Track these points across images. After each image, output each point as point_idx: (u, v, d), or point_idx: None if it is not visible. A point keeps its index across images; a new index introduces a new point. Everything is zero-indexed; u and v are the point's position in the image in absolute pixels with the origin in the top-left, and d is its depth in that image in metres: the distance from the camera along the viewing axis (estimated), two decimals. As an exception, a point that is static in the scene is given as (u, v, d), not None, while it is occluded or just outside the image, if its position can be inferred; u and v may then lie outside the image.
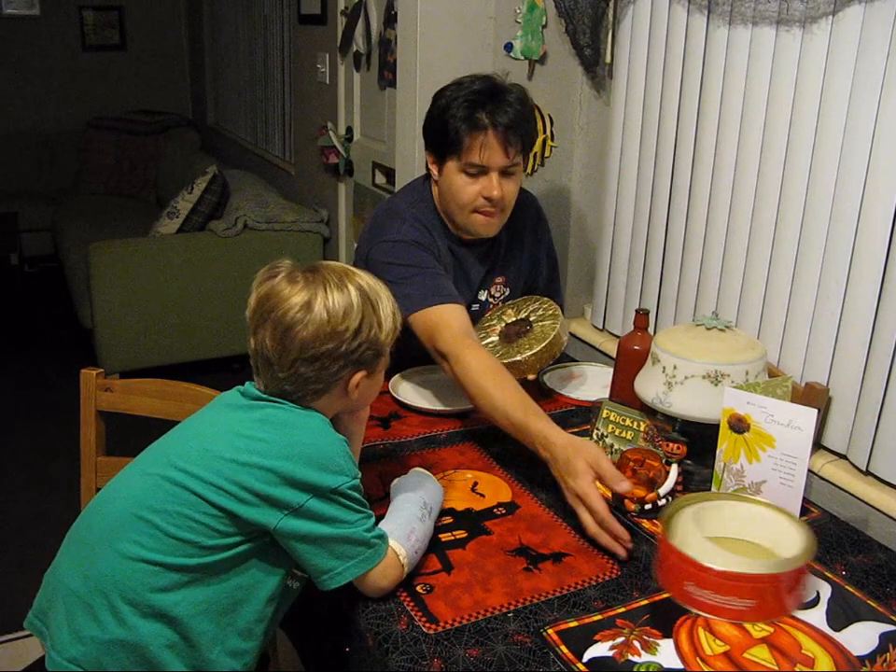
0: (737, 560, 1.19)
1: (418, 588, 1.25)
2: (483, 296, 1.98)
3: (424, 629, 1.17)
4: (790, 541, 1.28)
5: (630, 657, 1.13)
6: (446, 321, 1.67)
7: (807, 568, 1.22)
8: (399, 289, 1.55)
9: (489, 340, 1.88)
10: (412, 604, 1.22)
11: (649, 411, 1.59)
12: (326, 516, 1.16)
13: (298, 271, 1.22)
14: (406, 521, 1.28)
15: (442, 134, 1.73)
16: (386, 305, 1.25)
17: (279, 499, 1.15)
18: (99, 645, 1.17)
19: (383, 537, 1.22)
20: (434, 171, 1.82)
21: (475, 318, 1.93)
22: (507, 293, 2.01)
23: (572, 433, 1.73)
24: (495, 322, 1.93)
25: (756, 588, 1.17)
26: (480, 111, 1.69)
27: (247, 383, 1.28)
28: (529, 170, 2.35)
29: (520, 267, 2.00)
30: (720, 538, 1.33)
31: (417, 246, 1.78)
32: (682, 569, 1.21)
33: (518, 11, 2.28)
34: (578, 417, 1.82)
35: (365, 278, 1.25)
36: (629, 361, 1.68)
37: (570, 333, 2.32)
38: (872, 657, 1.14)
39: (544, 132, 2.26)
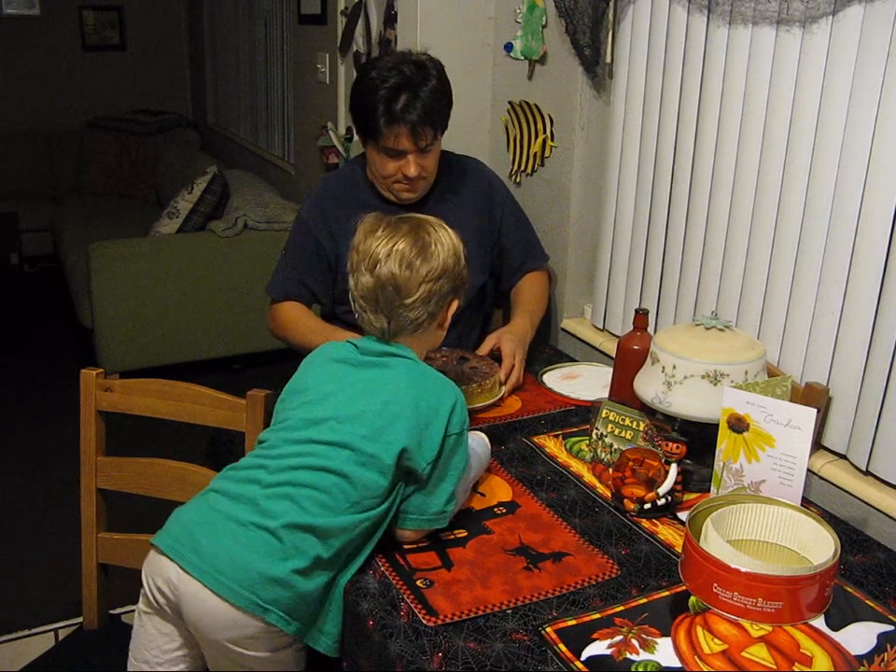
0: (764, 562, 1.20)
1: (418, 582, 1.26)
2: None
3: (424, 621, 1.18)
4: (816, 543, 1.28)
5: (628, 655, 1.13)
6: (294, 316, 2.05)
7: (835, 570, 1.22)
8: (279, 264, 2.10)
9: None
10: (411, 597, 1.23)
11: (648, 410, 1.59)
12: (457, 454, 1.35)
13: (396, 219, 1.42)
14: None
15: (363, 121, 1.91)
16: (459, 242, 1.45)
17: (428, 445, 1.31)
18: None
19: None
20: (361, 143, 1.99)
21: None
22: None
23: (571, 433, 1.75)
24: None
25: (784, 590, 1.18)
26: (394, 105, 1.85)
27: (358, 339, 1.43)
28: (529, 170, 2.35)
29: (469, 222, 2.05)
30: (746, 540, 1.34)
31: (305, 235, 2.06)
32: (709, 571, 1.21)
33: (518, 11, 2.28)
34: (577, 417, 1.82)
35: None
36: (629, 361, 1.68)
37: (570, 333, 2.32)
38: (870, 657, 1.14)
39: (544, 132, 2.27)
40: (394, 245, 1.36)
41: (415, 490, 1.33)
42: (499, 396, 1.85)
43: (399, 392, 1.33)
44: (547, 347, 2.29)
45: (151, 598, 1.32)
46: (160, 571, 1.28)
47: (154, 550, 1.30)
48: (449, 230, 1.44)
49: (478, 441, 1.54)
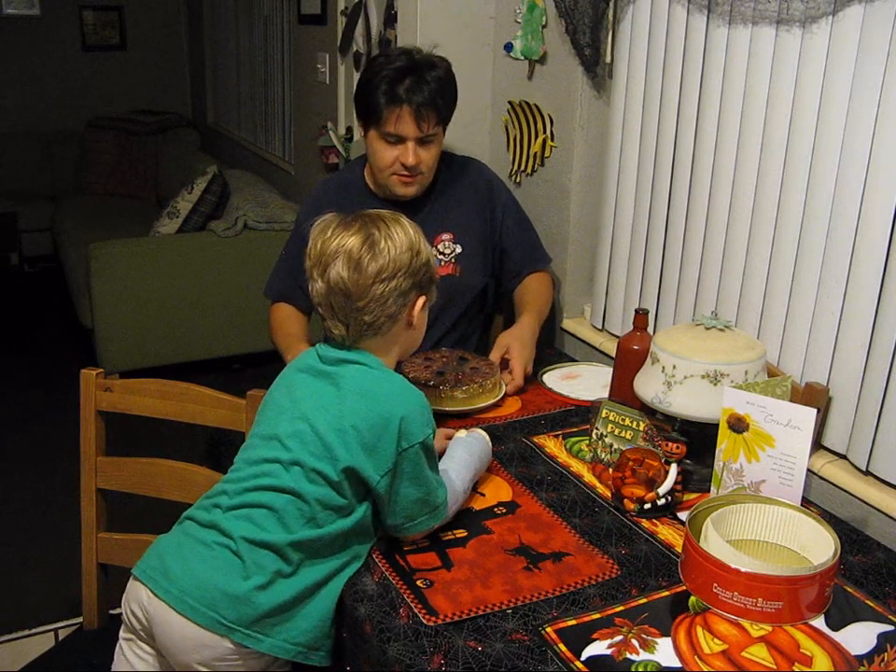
0: (764, 562, 1.20)
1: (418, 583, 1.26)
2: None
3: (424, 621, 1.18)
4: (816, 543, 1.28)
5: (628, 655, 1.13)
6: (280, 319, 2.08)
7: (834, 570, 1.22)
8: (276, 265, 2.15)
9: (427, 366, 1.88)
10: (411, 596, 1.23)
11: (648, 410, 1.59)
12: (417, 470, 1.29)
13: (349, 218, 1.35)
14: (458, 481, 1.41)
15: (365, 105, 1.90)
16: (428, 246, 1.38)
17: (379, 458, 1.26)
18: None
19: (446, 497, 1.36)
20: (361, 134, 1.98)
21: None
22: (458, 250, 2.07)
23: (571, 433, 1.75)
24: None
25: (784, 590, 1.18)
26: (398, 86, 1.84)
27: (320, 345, 1.37)
28: (529, 170, 2.35)
29: (469, 225, 2.07)
30: (746, 540, 1.34)
31: (297, 230, 2.10)
32: (709, 571, 1.21)
33: (518, 11, 2.28)
34: (577, 417, 1.82)
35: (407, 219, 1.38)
36: (628, 361, 1.68)
37: (570, 333, 2.33)
38: (870, 657, 1.14)
39: (544, 132, 2.27)
40: (341, 245, 1.30)
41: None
42: (500, 396, 1.84)
43: (345, 405, 1.28)
44: (547, 347, 2.29)
45: (128, 623, 1.34)
46: (134, 596, 1.30)
47: (132, 576, 1.32)
48: (405, 222, 1.36)
49: (478, 439, 1.54)
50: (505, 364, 1.91)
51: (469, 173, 2.13)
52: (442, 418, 1.73)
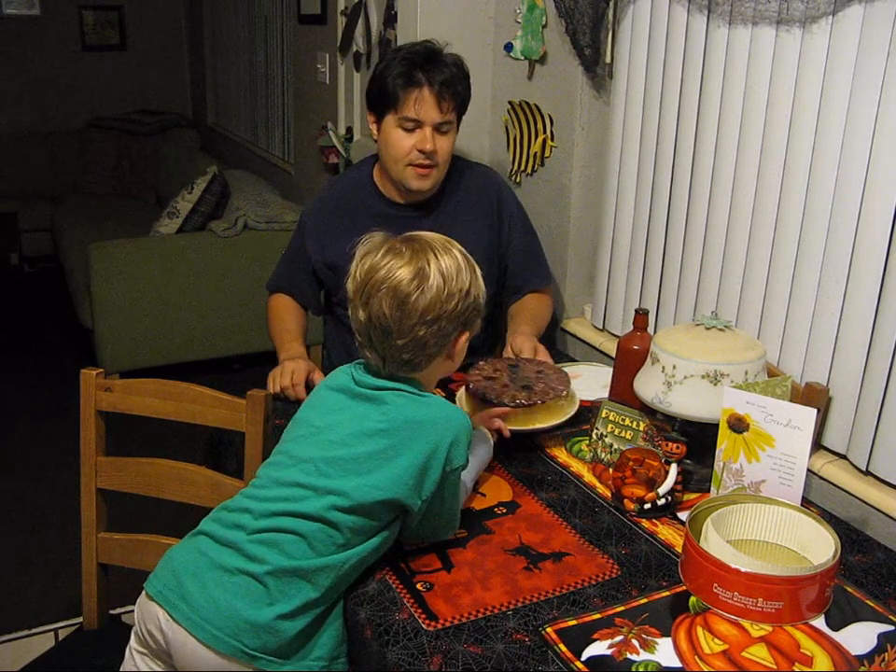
0: (764, 562, 1.20)
1: (418, 586, 1.26)
2: None
3: (424, 626, 1.17)
4: (816, 543, 1.28)
5: (629, 656, 1.13)
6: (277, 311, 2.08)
7: (834, 570, 1.22)
8: (279, 261, 2.14)
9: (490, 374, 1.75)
10: (412, 601, 1.22)
11: (648, 410, 1.59)
12: (453, 490, 1.30)
13: (398, 242, 1.28)
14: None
15: (381, 91, 1.87)
16: (479, 271, 1.32)
17: (424, 485, 1.24)
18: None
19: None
20: (374, 130, 1.94)
21: None
22: None
23: (571, 433, 1.75)
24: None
25: (784, 590, 1.18)
26: (416, 69, 1.83)
27: (355, 365, 1.35)
28: (529, 170, 2.35)
29: (476, 233, 2.02)
30: (746, 540, 1.34)
31: (299, 228, 2.08)
32: (709, 571, 1.21)
33: (518, 11, 2.28)
34: (577, 417, 1.82)
35: (459, 246, 1.32)
36: (629, 361, 1.68)
37: (570, 333, 2.33)
38: (870, 657, 1.14)
39: (544, 132, 2.27)
40: (390, 275, 1.24)
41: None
42: (571, 414, 1.68)
43: (393, 434, 1.24)
44: (547, 347, 2.29)
45: (142, 639, 1.31)
46: (150, 616, 1.27)
47: (145, 593, 1.29)
48: (456, 252, 1.29)
49: (480, 437, 1.53)
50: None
51: (479, 180, 2.09)
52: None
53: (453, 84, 1.85)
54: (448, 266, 1.26)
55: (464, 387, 1.68)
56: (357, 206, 2.02)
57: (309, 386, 1.81)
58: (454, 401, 1.87)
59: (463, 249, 1.32)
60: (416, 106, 1.83)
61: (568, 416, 1.65)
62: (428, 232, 1.33)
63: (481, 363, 1.74)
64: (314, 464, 1.25)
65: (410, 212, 2.00)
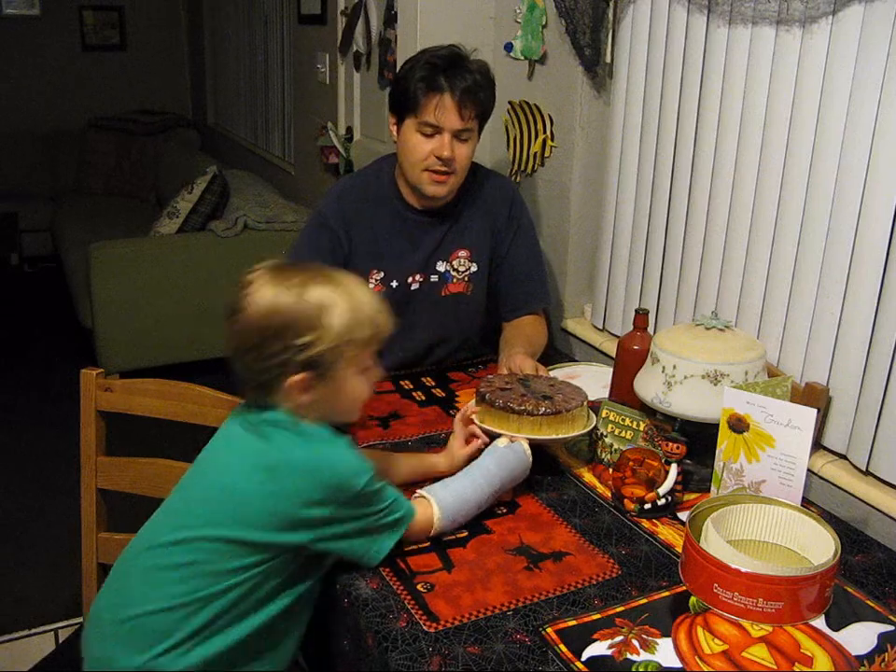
0: (765, 562, 1.20)
1: (419, 587, 1.26)
2: (441, 266, 2.00)
3: (424, 627, 1.17)
4: (816, 543, 1.28)
5: (629, 656, 1.13)
6: None
7: (835, 570, 1.22)
8: (288, 257, 1.99)
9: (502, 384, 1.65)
10: (412, 602, 1.22)
11: (648, 410, 1.59)
12: (356, 514, 1.23)
13: (296, 266, 1.26)
14: (457, 485, 1.38)
15: (403, 94, 1.85)
16: (343, 313, 1.20)
17: (310, 518, 1.19)
18: None
19: (408, 507, 1.30)
20: (394, 131, 1.92)
21: (436, 290, 2.01)
22: (473, 269, 2.02)
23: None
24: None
25: (784, 590, 1.18)
26: (439, 74, 1.80)
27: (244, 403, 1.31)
28: (529, 170, 2.35)
29: (485, 240, 2.02)
30: (746, 540, 1.34)
31: (321, 228, 1.96)
32: (709, 571, 1.21)
33: (518, 11, 2.28)
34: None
35: (330, 284, 1.22)
36: (629, 361, 1.68)
37: (570, 333, 2.33)
38: (870, 657, 1.14)
39: (544, 132, 2.27)
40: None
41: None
42: (591, 427, 1.61)
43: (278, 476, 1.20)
44: (547, 347, 2.29)
45: None
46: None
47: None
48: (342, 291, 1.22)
49: (516, 451, 1.47)
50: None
51: (495, 190, 2.05)
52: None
53: (475, 91, 1.82)
54: (268, 298, 1.21)
55: (475, 399, 1.60)
56: (376, 202, 1.98)
57: None
58: (453, 402, 1.87)
59: (329, 290, 1.21)
60: (437, 112, 1.80)
61: (591, 427, 1.60)
62: (322, 266, 1.28)
63: (490, 377, 1.68)
64: (192, 502, 1.26)
65: (423, 217, 1.98)
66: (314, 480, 1.19)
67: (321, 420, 1.26)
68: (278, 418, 1.24)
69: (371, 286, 1.98)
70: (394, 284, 1.98)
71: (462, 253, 2.01)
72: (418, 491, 1.38)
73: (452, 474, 1.45)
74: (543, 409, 1.52)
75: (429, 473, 1.50)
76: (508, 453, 1.47)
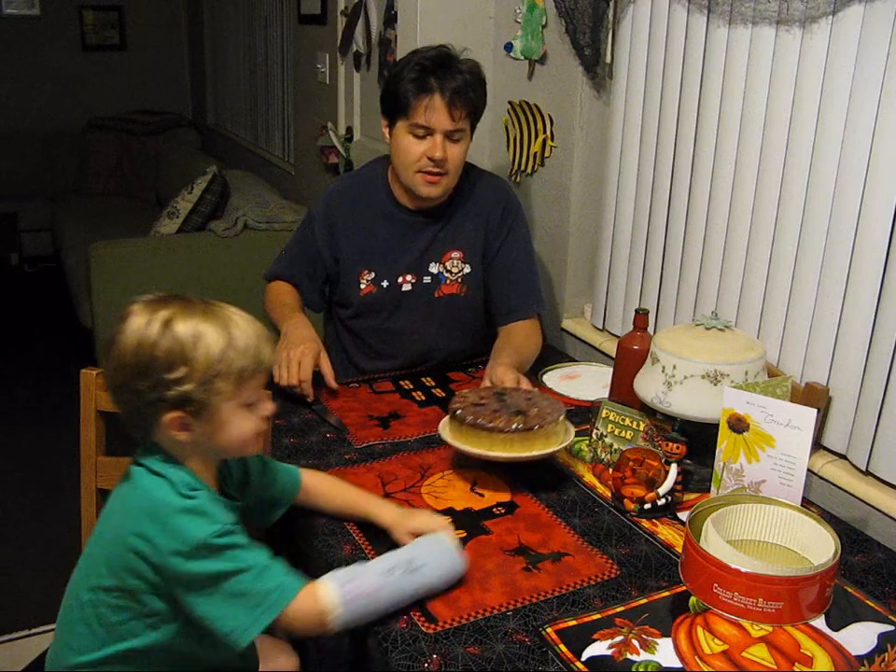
0: (765, 562, 1.20)
1: (417, 587, 1.25)
2: (434, 268, 2.00)
3: (423, 628, 1.17)
4: (816, 543, 1.28)
5: (629, 656, 1.13)
6: (276, 292, 2.06)
7: (835, 570, 1.22)
8: (280, 253, 2.12)
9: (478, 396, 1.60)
10: (411, 603, 1.22)
11: (648, 410, 1.59)
12: (200, 569, 1.11)
13: (169, 298, 1.15)
14: (360, 570, 1.19)
15: (393, 97, 1.85)
16: (213, 346, 1.12)
17: (154, 572, 1.12)
18: None
19: (285, 584, 1.13)
20: (386, 134, 1.92)
21: (430, 292, 2.00)
22: (466, 270, 2.01)
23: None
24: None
25: (784, 590, 1.18)
26: (429, 76, 1.80)
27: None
28: (529, 170, 2.35)
29: (479, 241, 2.01)
30: (746, 540, 1.34)
31: (307, 231, 2.04)
32: (709, 571, 1.21)
33: (518, 11, 2.28)
34: (577, 417, 1.82)
35: (201, 316, 1.13)
36: (629, 361, 1.68)
37: (570, 333, 2.33)
38: (870, 657, 1.14)
39: (544, 132, 2.27)
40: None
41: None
42: (567, 443, 1.54)
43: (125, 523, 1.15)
44: (547, 347, 2.29)
45: None
46: None
47: None
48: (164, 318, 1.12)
49: (441, 544, 1.27)
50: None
51: (493, 191, 2.04)
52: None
53: (465, 91, 1.81)
54: (134, 333, 1.11)
55: (448, 415, 1.55)
56: (367, 202, 2.00)
57: (316, 401, 1.79)
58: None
59: (201, 324, 1.12)
60: (427, 114, 1.80)
61: (566, 443, 1.53)
62: (204, 301, 1.18)
63: (464, 391, 1.62)
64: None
65: (417, 217, 1.98)
66: (152, 525, 1.11)
67: (209, 458, 1.20)
68: (147, 460, 1.18)
69: (363, 287, 1.99)
70: (385, 284, 1.99)
71: (455, 254, 2.00)
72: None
73: (393, 537, 1.33)
74: (515, 425, 1.46)
75: (368, 517, 1.38)
76: (435, 546, 1.27)
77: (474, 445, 1.47)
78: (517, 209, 2.06)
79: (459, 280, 2.01)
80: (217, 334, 1.12)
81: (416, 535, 1.31)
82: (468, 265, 2.01)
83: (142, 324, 1.11)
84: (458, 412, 1.50)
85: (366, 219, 1.99)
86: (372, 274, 1.99)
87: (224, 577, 1.11)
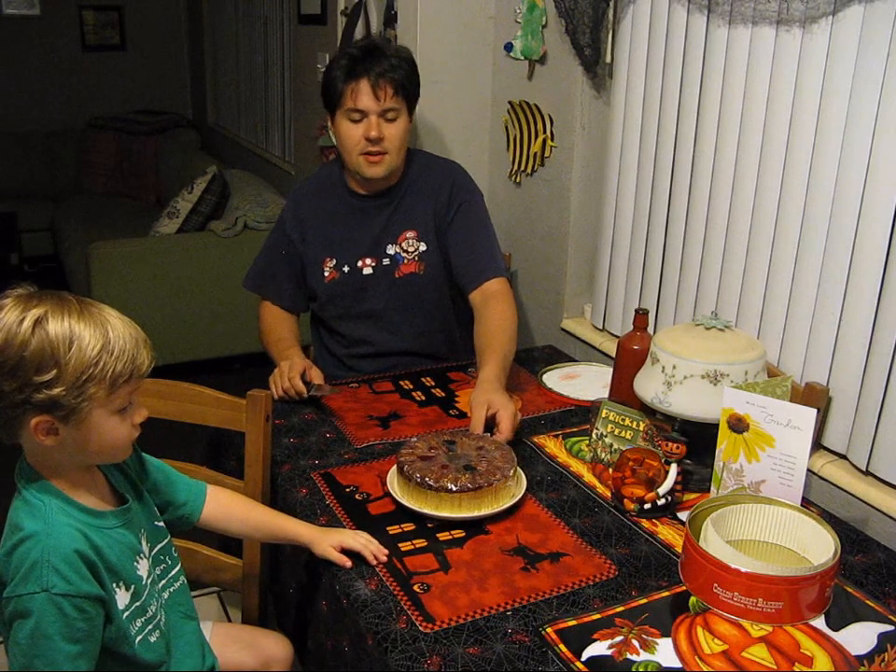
0: (765, 563, 1.20)
1: (415, 587, 1.26)
2: (391, 249, 2.06)
3: (420, 628, 1.17)
4: (816, 543, 1.28)
5: (629, 656, 1.13)
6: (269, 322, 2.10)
7: (834, 570, 1.22)
8: (256, 257, 2.18)
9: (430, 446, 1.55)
10: (408, 603, 1.22)
11: (648, 410, 1.59)
12: (17, 636, 1.07)
13: (43, 295, 1.09)
14: None
15: (328, 89, 1.98)
16: (87, 349, 1.06)
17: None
18: None
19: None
20: (331, 129, 2.04)
21: (390, 273, 2.05)
22: (422, 248, 2.05)
23: (571, 433, 1.75)
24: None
25: (784, 590, 1.18)
26: (356, 64, 1.92)
27: None
28: (529, 170, 2.35)
29: (432, 220, 2.05)
30: (746, 540, 1.34)
31: (280, 225, 2.13)
32: (709, 571, 1.21)
33: (518, 11, 2.28)
34: (577, 417, 1.82)
35: (75, 316, 1.08)
36: (629, 361, 1.68)
37: (570, 333, 2.32)
38: (870, 657, 1.14)
39: (544, 132, 2.26)
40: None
41: None
42: (518, 496, 1.48)
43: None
44: (547, 347, 2.29)
45: None
46: None
47: None
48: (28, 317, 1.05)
49: None
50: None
51: (437, 170, 2.09)
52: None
53: (390, 72, 1.90)
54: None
55: (395, 468, 1.51)
56: (326, 195, 2.09)
57: (307, 382, 1.81)
58: (452, 401, 1.87)
59: (74, 324, 1.07)
60: (355, 97, 1.90)
61: (517, 498, 1.47)
62: (84, 300, 1.14)
63: (413, 440, 1.57)
64: None
65: (369, 203, 2.06)
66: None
67: (77, 463, 1.15)
68: (23, 473, 1.13)
69: (326, 274, 2.06)
70: (346, 269, 2.06)
71: (409, 234, 2.05)
72: None
73: (315, 552, 1.33)
74: (461, 485, 1.41)
75: (287, 538, 1.39)
76: None
77: (422, 503, 1.43)
78: (467, 186, 2.09)
79: (416, 258, 2.05)
80: (92, 336, 1.07)
81: (339, 548, 1.31)
82: (422, 243, 2.06)
83: (12, 320, 1.04)
84: (405, 468, 1.47)
85: (326, 211, 2.08)
86: (334, 261, 2.06)
87: (19, 647, 1.07)
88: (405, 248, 2.05)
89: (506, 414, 1.62)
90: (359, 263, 2.05)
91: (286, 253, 2.09)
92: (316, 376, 1.84)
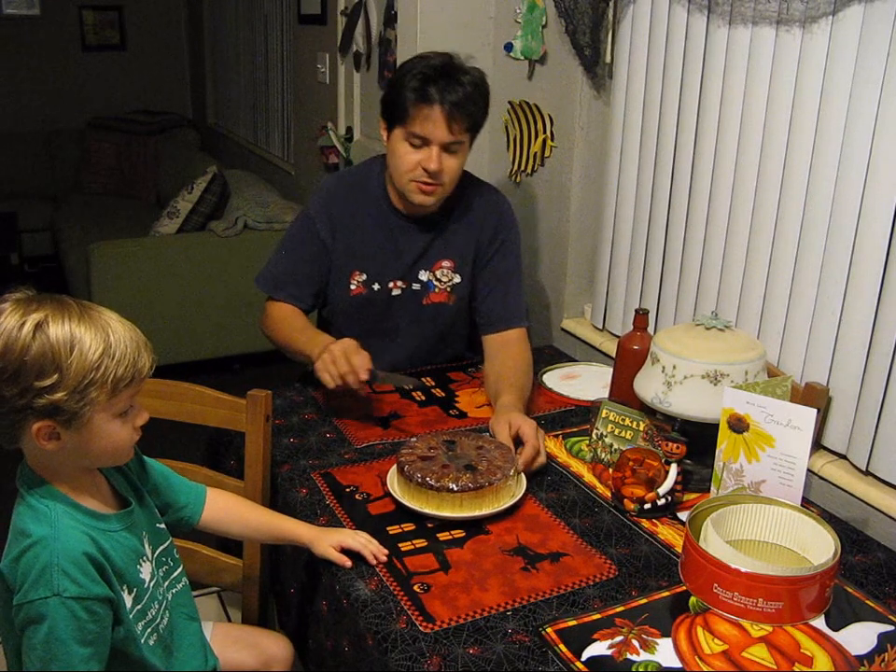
0: (765, 562, 1.20)
1: (415, 587, 1.26)
2: (423, 276, 1.97)
3: (422, 629, 1.17)
4: (816, 543, 1.28)
5: (629, 656, 1.13)
6: (280, 317, 1.95)
7: (834, 570, 1.22)
8: (274, 257, 1.98)
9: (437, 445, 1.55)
10: (409, 603, 1.22)
11: (648, 410, 1.59)
12: (32, 641, 1.06)
13: (43, 299, 1.09)
14: None
15: (393, 103, 1.80)
16: (88, 353, 1.05)
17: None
18: None
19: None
20: (384, 136, 1.87)
21: (418, 299, 1.97)
22: (456, 279, 1.97)
23: (571, 433, 1.75)
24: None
25: (784, 590, 1.18)
26: (431, 85, 1.74)
27: None
28: (529, 170, 2.35)
29: (470, 253, 1.97)
30: (746, 540, 1.34)
31: (308, 233, 1.94)
32: (709, 571, 1.21)
33: (518, 11, 2.28)
34: (577, 417, 1.82)
35: (76, 320, 1.07)
36: (629, 361, 1.68)
37: (570, 333, 2.32)
38: (870, 657, 1.14)
39: (544, 132, 2.26)
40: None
41: None
42: (518, 496, 1.49)
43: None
44: (547, 347, 2.29)
45: None
46: None
47: None
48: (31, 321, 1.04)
49: None
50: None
51: (487, 202, 1.99)
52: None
53: (466, 105, 1.76)
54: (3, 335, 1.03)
55: (395, 468, 1.51)
56: (362, 201, 1.96)
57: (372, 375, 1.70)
58: (452, 401, 1.87)
59: (75, 328, 1.07)
60: (425, 125, 1.75)
61: (517, 498, 1.47)
62: (83, 303, 1.13)
63: (413, 440, 1.57)
64: None
65: (409, 223, 1.94)
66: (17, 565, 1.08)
67: (79, 467, 1.14)
68: (25, 478, 1.13)
69: (353, 288, 1.96)
70: (375, 287, 1.96)
71: (446, 263, 1.97)
72: None
73: (315, 552, 1.34)
74: (462, 485, 1.42)
75: (287, 538, 1.40)
76: None
77: (423, 503, 1.43)
78: (512, 224, 2.01)
79: (448, 290, 1.98)
80: (93, 340, 1.06)
81: (339, 548, 1.32)
82: (458, 275, 1.98)
83: (12, 325, 1.03)
84: (406, 468, 1.46)
85: (360, 218, 1.95)
86: (364, 276, 1.96)
87: (31, 652, 1.08)
88: (438, 277, 1.97)
89: (528, 428, 1.59)
90: (390, 284, 1.96)
91: (314, 251, 1.94)
92: (369, 362, 1.70)
